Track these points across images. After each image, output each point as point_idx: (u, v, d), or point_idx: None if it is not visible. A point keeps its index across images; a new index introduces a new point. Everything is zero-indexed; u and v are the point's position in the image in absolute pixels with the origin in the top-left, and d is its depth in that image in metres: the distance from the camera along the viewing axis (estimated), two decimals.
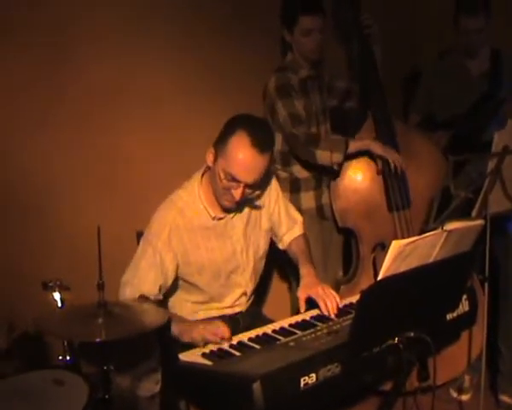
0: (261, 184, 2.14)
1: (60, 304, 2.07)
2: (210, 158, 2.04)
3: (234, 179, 1.96)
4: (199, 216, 2.13)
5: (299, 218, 2.47)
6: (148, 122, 2.79)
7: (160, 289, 2.09)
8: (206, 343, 1.89)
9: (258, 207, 2.28)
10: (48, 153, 2.57)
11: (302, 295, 2.15)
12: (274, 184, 2.37)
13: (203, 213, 2.14)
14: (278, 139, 2.70)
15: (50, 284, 2.08)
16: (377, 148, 2.64)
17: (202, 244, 2.14)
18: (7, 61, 2.45)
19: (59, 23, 2.54)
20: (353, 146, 2.61)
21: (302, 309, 2.13)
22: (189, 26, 2.87)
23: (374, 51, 2.83)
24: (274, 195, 2.35)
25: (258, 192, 2.19)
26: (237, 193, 1.99)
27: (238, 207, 2.15)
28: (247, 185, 1.99)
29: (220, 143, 2.01)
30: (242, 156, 1.93)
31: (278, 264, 3.06)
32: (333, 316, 2.05)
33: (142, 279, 2.06)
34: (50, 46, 2.53)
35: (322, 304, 2.07)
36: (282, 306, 3.03)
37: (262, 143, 1.95)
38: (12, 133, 2.49)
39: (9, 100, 2.47)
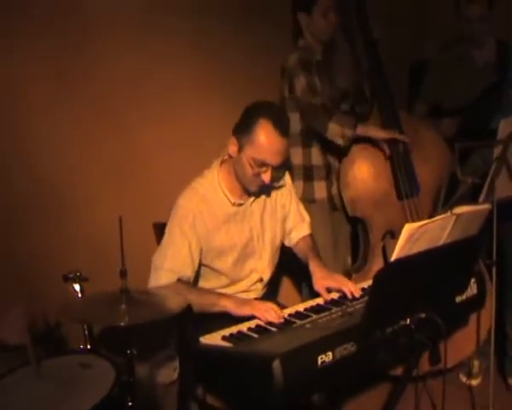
0: (284, 166, 2.27)
1: (80, 295, 2.14)
2: (233, 149, 2.14)
3: (263, 164, 2.09)
4: (220, 203, 2.21)
5: (307, 217, 2.53)
6: (164, 117, 2.85)
7: (191, 272, 2.16)
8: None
9: (273, 196, 2.37)
10: (66, 148, 2.62)
11: (320, 286, 2.21)
12: (288, 179, 2.46)
13: (223, 201, 2.22)
14: (295, 119, 2.74)
15: (70, 276, 2.16)
16: (380, 133, 2.70)
17: (223, 230, 2.21)
18: (26, 53, 2.50)
19: (77, 17, 2.61)
20: (359, 130, 2.68)
21: (325, 297, 2.18)
22: (202, 22, 2.93)
23: (379, 54, 2.89)
24: (288, 189, 2.44)
25: (280, 175, 2.34)
26: (267, 176, 2.12)
27: (261, 191, 2.27)
28: (274, 168, 2.12)
29: (244, 132, 2.10)
30: (270, 142, 2.06)
31: (292, 256, 3.11)
32: (357, 295, 2.13)
33: (174, 263, 2.13)
34: (67, 40, 2.58)
35: (346, 289, 2.15)
36: (294, 298, 3.08)
37: (284, 127, 2.10)
38: (29, 128, 2.54)
39: (26, 92, 2.51)
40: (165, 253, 2.15)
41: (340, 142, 2.68)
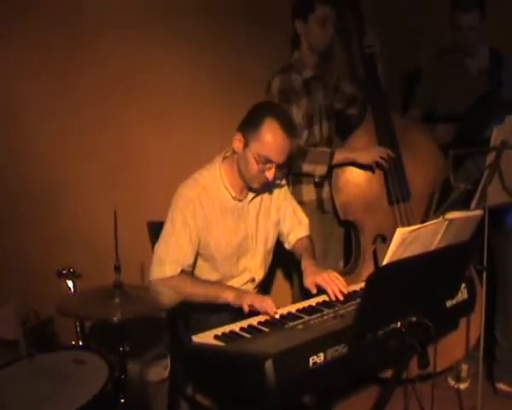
0: (284, 166, 2.31)
1: (72, 291, 2.15)
2: (238, 145, 2.18)
3: (268, 161, 2.14)
4: (220, 196, 2.25)
5: (304, 220, 2.54)
6: (160, 113, 2.86)
7: (192, 259, 2.20)
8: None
9: (268, 199, 2.40)
10: (61, 143, 2.63)
11: (309, 283, 2.21)
12: (284, 182, 2.49)
13: (224, 194, 2.26)
14: None
15: (64, 272, 2.17)
16: (361, 158, 2.74)
17: (221, 224, 2.25)
18: (22, 46, 2.51)
19: (75, 11, 2.61)
20: (338, 158, 2.74)
21: (314, 291, 2.19)
22: (202, 21, 2.95)
23: (377, 66, 2.90)
24: (283, 192, 2.47)
25: (280, 175, 2.37)
26: (270, 174, 2.17)
27: (261, 190, 2.31)
28: (278, 166, 2.17)
29: (251, 129, 2.14)
30: (276, 140, 2.12)
31: (281, 261, 3.11)
32: (341, 298, 2.11)
33: (177, 254, 2.16)
34: (66, 33, 2.59)
35: (329, 290, 2.14)
36: (284, 300, 3.09)
37: (289, 127, 2.16)
38: (25, 122, 2.55)
39: (21, 85, 2.52)
40: (168, 244, 2.17)
41: (316, 179, 2.79)
